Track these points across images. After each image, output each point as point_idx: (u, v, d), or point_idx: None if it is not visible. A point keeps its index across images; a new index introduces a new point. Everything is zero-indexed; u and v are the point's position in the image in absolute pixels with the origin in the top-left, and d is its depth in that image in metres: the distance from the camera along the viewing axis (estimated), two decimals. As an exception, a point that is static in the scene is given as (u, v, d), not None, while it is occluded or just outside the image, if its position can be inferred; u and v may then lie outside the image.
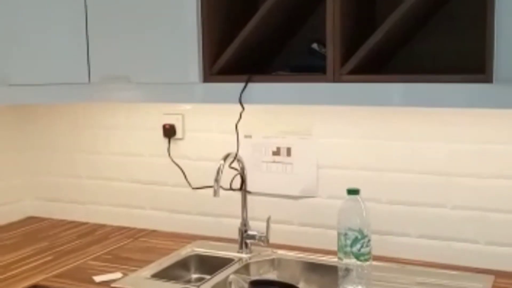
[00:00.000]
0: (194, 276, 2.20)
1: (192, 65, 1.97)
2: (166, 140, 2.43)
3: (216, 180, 2.02)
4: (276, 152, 2.27)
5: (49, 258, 2.20)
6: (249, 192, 2.24)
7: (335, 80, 1.80)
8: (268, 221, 2.11)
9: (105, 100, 2.24)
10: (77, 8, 2.10)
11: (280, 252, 2.19)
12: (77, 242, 2.39)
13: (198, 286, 1.92)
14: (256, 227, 2.18)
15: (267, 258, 2.17)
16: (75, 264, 2.14)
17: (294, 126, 2.23)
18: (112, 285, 1.93)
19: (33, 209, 2.77)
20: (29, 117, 2.73)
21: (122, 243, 2.37)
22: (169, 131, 2.42)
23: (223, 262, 2.12)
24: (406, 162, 2.08)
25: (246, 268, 2.12)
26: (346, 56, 1.79)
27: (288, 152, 2.25)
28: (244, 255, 2.17)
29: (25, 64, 2.08)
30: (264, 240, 2.15)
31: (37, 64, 2.10)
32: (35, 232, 2.54)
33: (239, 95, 1.92)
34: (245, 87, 1.91)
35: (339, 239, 1.82)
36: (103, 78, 2.11)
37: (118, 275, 2.02)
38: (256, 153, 2.30)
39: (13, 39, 2.07)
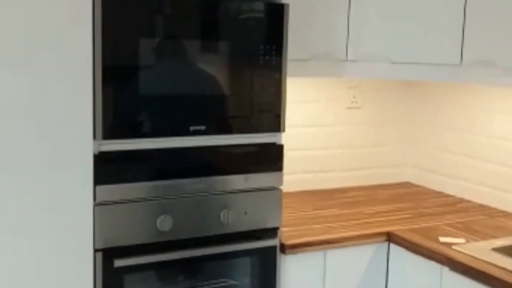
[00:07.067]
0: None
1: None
2: (536, 127, 2.46)
3: None
4: None
5: (408, 216, 2.53)
6: None
7: None
8: None
9: (472, 82, 2.41)
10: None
11: None
12: (437, 208, 2.65)
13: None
14: None
15: None
16: (428, 224, 2.41)
17: None
18: (453, 247, 2.14)
19: (410, 176, 3.11)
20: (413, 94, 3.05)
21: (477, 218, 2.53)
22: (539, 118, 2.45)
23: None
24: None
25: None
26: None
27: None
28: None
29: (405, 44, 2.41)
30: None
31: (415, 44, 2.40)
32: (405, 194, 2.90)
33: None
34: None
35: None
36: (472, 62, 2.30)
37: (461, 240, 2.22)
38: None
39: (395, 21, 2.41)
